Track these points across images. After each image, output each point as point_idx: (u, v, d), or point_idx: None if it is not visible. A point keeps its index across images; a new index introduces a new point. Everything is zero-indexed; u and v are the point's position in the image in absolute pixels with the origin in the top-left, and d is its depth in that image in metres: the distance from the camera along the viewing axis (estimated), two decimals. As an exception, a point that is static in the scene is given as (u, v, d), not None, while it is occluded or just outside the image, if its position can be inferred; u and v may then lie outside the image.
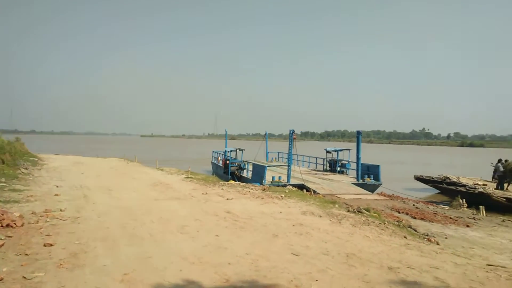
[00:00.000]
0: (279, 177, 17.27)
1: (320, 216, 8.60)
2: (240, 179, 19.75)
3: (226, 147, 26.59)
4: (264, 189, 13.28)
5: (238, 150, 24.55)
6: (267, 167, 17.98)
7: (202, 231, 6.97)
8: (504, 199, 15.48)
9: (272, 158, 31.36)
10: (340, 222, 7.94)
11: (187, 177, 16.95)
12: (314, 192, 14.48)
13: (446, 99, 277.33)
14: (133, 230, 7.03)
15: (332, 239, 6.52)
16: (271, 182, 16.58)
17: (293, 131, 17.30)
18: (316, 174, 21.18)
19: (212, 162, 29.14)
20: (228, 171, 21.17)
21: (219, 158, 25.72)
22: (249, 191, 12.55)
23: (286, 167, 17.47)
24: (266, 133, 33.44)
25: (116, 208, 9.26)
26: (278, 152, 31.35)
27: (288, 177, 16.96)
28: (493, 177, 21.23)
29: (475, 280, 4.87)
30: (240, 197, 11.37)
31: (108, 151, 46.39)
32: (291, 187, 15.35)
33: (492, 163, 21.85)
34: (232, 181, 16.22)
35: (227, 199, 11.03)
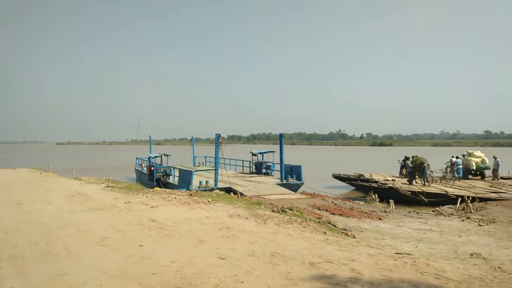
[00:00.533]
0: (207, 182, 17.19)
1: (247, 218, 8.75)
2: (166, 185, 19.26)
3: (150, 153, 25.76)
4: (191, 195, 13.11)
5: (163, 156, 23.91)
6: (194, 172, 17.79)
7: (124, 242, 6.66)
8: (410, 192, 17.25)
9: (199, 163, 31.10)
10: (265, 223, 8.17)
11: (108, 186, 16.03)
12: (241, 194, 14.70)
13: (359, 103, 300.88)
14: (47, 246, 6.47)
15: (258, 240, 6.69)
16: (199, 187, 16.43)
17: (219, 135, 17.37)
18: (243, 176, 21.49)
19: (135, 169, 27.99)
20: (153, 178, 20.51)
21: (143, 165, 24.82)
22: (175, 198, 12.28)
23: (214, 171, 17.47)
24: (192, 137, 33.06)
25: (27, 223, 8.43)
26: (205, 156, 31.19)
27: (216, 181, 16.96)
28: (400, 172, 23.55)
29: (385, 268, 5.36)
30: (166, 204, 11.08)
31: (18, 161, 42.20)
32: (218, 191, 15.38)
33: (399, 160, 24.23)
34: (158, 188, 15.73)
35: (152, 207, 10.68)
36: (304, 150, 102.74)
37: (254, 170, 23.88)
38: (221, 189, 15.98)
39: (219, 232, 7.28)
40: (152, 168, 20.95)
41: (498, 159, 21.49)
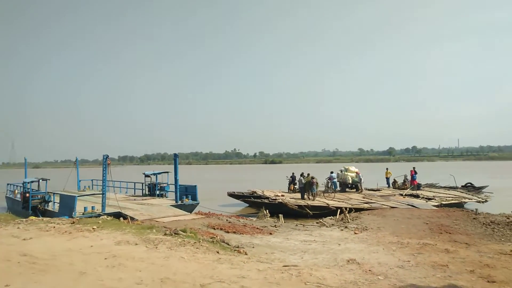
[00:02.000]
0: (92, 207, 15.84)
1: (136, 244, 8.30)
2: (45, 213, 17.13)
3: (25, 178, 22.78)
4: (74, 222, 11.90)
5: (41, 180, 21.30)
6: (78, 197, 16.24)
7: (-15, 284, 5.69)
8: (296, 206, 18.49)
9: (85, 187, 28.49)
10: (156, 247, 7.86)
11: (-34, 218, 13.56)
12: (132, 219, 13.91)
13: (252, 123, 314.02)
14: None
15: (147, 266, 6.40)
16: (83, 214, 15.03)
17: (107, 156, 16.26)
18: (135, 200, 20.38)
19: (6, 196, 24.34)
20: (28, 206, 18.05)
21: (16, 192, 21.77)
22: (54, 227, 10.99)
23: (101, 195, 16.20)
24: (77, 159, 30.21)
25: None
26: (92, 180, 28.75)
27: (103, 206, 15.75)
28: (288, 188, 25.16)
29: (273, 282, 5.62)
30: (42, 235, 9.84)
31: None
32: (106, 216, 14.27)
33: (287, 176, 25.89)
34: (33, 217, 13.88)
35: (24, 239, 9.37)
36: (200, 169, 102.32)
37: (147, 192, 22.87)
38: (109, 214, 14.88)
39: (104, 262, 6.75)
40: (28, 195, 18.46)
41: (360, 174, 24.71)
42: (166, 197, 21.61)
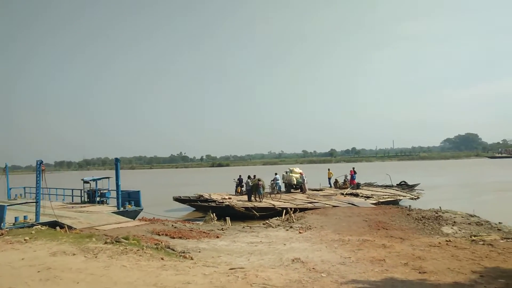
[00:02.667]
0: (25, 217, 14.63)
1: (74, 254, 7.83)
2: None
3: None
4: (2, 234, 10.95)
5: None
6: (8, 206, 14.91)
7: None
8: (243, 209, 18.58)
9: (16, 195, 26.24)
10: (96, 257, 7.47)
11: None
12: (70, 228, 13.07)
13: (196, 127, 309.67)
14: None
15: (86, 277, 6.06)
16: (14, 224, 13.84)
17: (41, 162, 15.13)
18: (73, 207, 19.18)
19: None
20: None
21: None
22: (-23, 240, 10.01)
23: (34, 203, 15.02)
24: (6, 165, 27.72)
25: None
26: (25, 187, 26.58)
27: (37, 215, 14.60)
28: (235, 190, 25.22)
29: (219, 285, 5.60)
30: (-37, 250, 8.91)
31: None
32: (40, 226, 13.27)
33: (234, 179, 25.94)
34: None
35: None
36: (144, 174, 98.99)
37: (86, 199, 21.61)
38: (44, 224, 13.84)
39: (37, 275, 6.28)
40: None
41: (304, 175, 25.54)
42: (107, 204, 20.60)
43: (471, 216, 14.16)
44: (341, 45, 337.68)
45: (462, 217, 13.98)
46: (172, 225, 13.84)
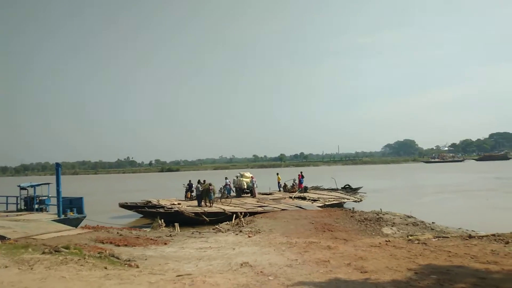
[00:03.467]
0: None
1: (6, 267, 7.25)
2: None
3: None
4: None
5: None
6: None
7: None
8: (193, 214, 18.35)
9: None
10: (32, 268, 6.98)
11: None
12: (3, 238, 12.10)
13: (147, 129, 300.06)
14: None
15: (19, 292, 5.66)
16: None
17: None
18: (7, 216, 17.75)
19: None
20: None
21: None
22: None
23: None
24: None
25: None
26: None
27: (-38, 225, 13.36)
28: (185, 196, 24.85)
29: (165, 292, 5.51)
30: None
31: None
32: (-34, 238, 12.14)
33: (184, 184, 25.57)
34: None
35: None
36: (88, 180, 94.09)
37: (23, 207, 20.13)
38: (-29, 234, 12.69)
39: (-38, 292, 5.76)
40: None
41: (254, 179, 25.85)
42: (47, 212, 19.36)
43: (409, 217, 15.14)
44: (298, 51, 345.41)
45: (400, 218, 14.90)
46: (118, 233, 13.31)
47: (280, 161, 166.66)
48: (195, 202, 21.80)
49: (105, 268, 7.09)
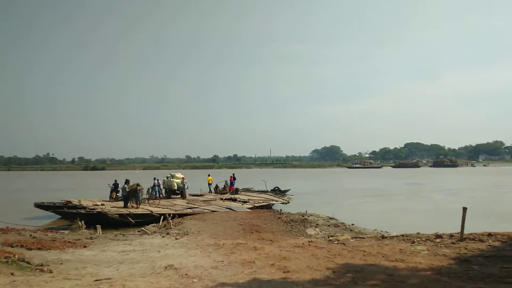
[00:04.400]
0: None
1: None
2: None
3: None
4: None
5: None
6: None
7: None
8: (117, 215, 17.51)
9: None
10: None
11: None
12: None
13: (70, 127, 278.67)
14: None
15: None
16: None
17: None
18: None
19: None
20: None
21: None
22: None
23: None
24: None
25: None
26: None
27: None
28: (110, 196, 23.61)
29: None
30: None
31: None
32: None
33: (109, 184, 24.29)
34: None
35: None
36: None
37: None
38: None
39: None
40: None
41: (185, 180, 25.52)
42: None
43: (331, 218, 16.04)
44: (234, 54, 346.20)
45: (323, 219, 15.73)
46: (31, 235, 12.21)
47: (214, 162, 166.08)
48: (121, 203, 20.83)
49: (12, 274, 6.48)
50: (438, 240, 9.87)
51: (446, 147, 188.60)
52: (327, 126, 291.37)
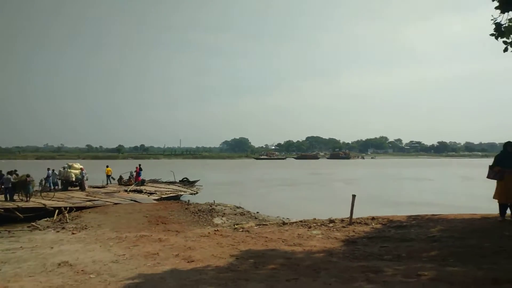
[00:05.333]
0: None
1: None
2: None
3: None
4: None
5: None
6: None
7: None
8: (3, 210, 15.61)
9: None
10: None
11: None
12: None
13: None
14: None
15: None
16: None
17: None
18: None
19: None
20: None
21: None
22: None
23: None
24: None
25: None
26: None
27: None
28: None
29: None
30: None
31: None
32: None
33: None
34: None
35: None
36: None
37: None
38: None
39: None
40: None
41: (85, 171, 23.81)
42: None
43: (237, 207, 16.47)
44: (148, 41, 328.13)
45: (230, 209, 16.07)
46: None
47: (118, 152, 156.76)
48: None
49: None
50: (331, 224, 10.84)
51: (341, 141, 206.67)
52: (237, 119, 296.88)
